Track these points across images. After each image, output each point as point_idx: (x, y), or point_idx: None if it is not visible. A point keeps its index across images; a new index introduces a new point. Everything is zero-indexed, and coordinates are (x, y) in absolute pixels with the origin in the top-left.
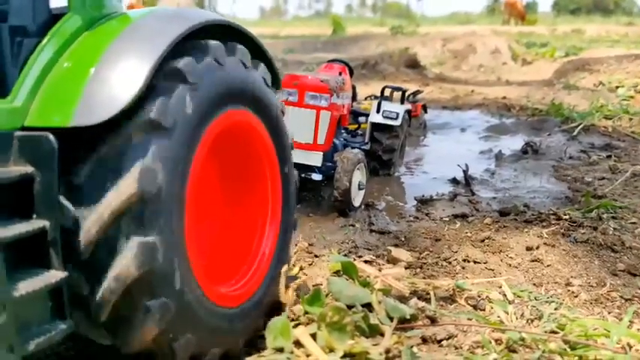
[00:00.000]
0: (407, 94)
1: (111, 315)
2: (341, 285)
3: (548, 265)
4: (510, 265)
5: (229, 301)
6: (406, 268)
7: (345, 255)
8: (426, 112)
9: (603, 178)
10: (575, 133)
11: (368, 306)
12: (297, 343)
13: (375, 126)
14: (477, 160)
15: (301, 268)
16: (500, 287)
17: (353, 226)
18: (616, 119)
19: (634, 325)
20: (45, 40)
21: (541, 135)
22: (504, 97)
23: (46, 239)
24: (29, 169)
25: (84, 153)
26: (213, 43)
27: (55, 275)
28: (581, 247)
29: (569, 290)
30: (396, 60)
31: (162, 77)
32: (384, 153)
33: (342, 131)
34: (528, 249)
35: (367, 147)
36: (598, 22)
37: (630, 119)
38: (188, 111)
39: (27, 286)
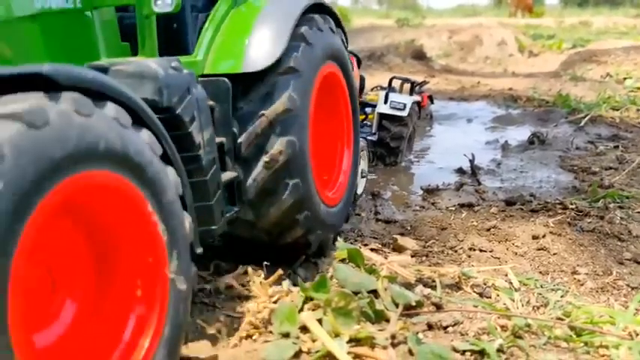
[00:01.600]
0: (414, 84)
1: (259, 190)
2: (347, 272)
3: (554, 254)
4: (516, 253)
5: (329, 201)
6: (412, 257)
7: (351, 243)
8: (432, 102)
9: (610, 168)
10: (582, 124)
11: (374, 293)
12: (303, 329)
13: (383, 117)
14: (483, 151)
15: (307, 256)
16: (506, 275)
17: (359, 215)
18: (623, 110)
19: None
20: (211, 15)
21: (547, 126)
22: (511, 89)
23: (224, 149)
24: (211, 102)
25: (249, 90)
26: (316, 16)
27: (230, 174)
28: (587, 235)
29: (575, 278)
30: (402, 51)
31: (293, 39)
32: (392, 139)
33: None
34: (534, 238)
35: (374, 137)
36: (606, 14)
37: (638, 110)
38: (310, 60)
39: (223, 176)
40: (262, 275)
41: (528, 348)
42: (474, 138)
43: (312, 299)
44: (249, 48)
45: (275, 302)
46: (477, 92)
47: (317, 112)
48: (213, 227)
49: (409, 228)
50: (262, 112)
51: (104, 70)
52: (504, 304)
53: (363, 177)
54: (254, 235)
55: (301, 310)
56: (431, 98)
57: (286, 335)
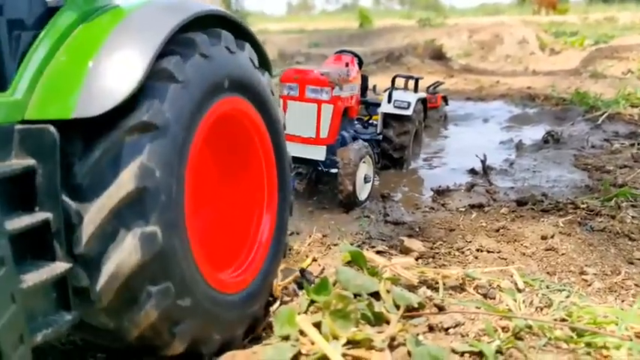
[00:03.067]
0: (428, 85)
1: (113, 301)
2: (349, 274)
3: (562, 254)
4: (524, 254)
5: (229, 287)
6: (418, 258)
7: (359, 246)
8: (447, 103)
9: (625, 167)
10: (599, 122)
11: (376, 295)
12: (303, 332)
13: (387, 116)
14: (496, 151)
15: (314, 259)
16: (512, 276)
17: (368, 217)
18: None
19: None
20: (42, 34)
21: (564, 124)
22: (529, 87)
23: (50, 231)
24: (31, 161)
25: (83, 148)
26: (198, 37)
27: (59, 267)
28: (597, 235)
29: (582, 279)
30: (420, 52)
31: (156, 73)
32: (394, 150)
33: (356, 122)
34: (543, 238)
35: (379, 137)
36: (632, 10)
37: None
38: (183, 102)
39: (34, 277)
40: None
41: (528, 349)
42: (488, 138)
43: (314, 302)
44: (90, 80)
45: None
46: (495, 92)
47: (208, 170)
48: None
49: (417, 230)
50: (102, 191)
51: None
52: (507, 305)
53: (367, 182)
54: (124, 347)
55: (305, 312)
56: (445, 99)
57: (286, 338)
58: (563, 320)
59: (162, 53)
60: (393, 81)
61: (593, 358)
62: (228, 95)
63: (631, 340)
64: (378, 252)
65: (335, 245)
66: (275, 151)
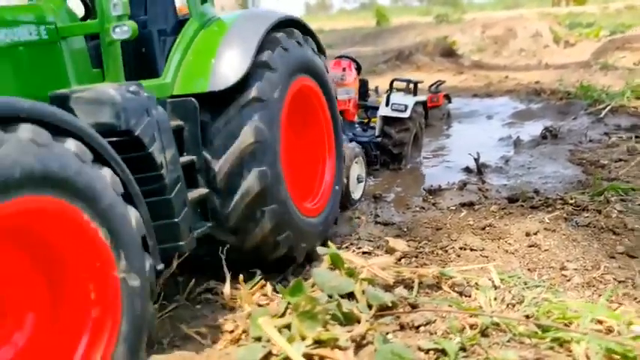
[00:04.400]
0: (430, 84)
1: (238, 220)
2: (325, 276)
3: (545, 250)
4: (507, 251)
5: (310, 212)
6: (402, 258)
7: (347, 247)
8: (449, 101)
9: (620, 160)
10: (601, 115)
11: (352, 295)
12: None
13: (386, 119)
14: (495, 148)
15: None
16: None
17: (359, 218)
18: None
19: (628, 306)
20: (179, 38)
21: (567, 119)
22: (537, 82)
23: (194, 168)
24: (180, 122)
25: (214, 115)
26: (282, 33)
27: (201, 191)
28: (581, 230)
29: (562, 274)
30: (430, 49)
31: (257, 63)
32: (394, 146)
33: (356, 126)
34: (527, 235)
35: (378, 140)
36: None
37: None
38: (276, 81)
39: (190, 195)
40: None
41: (492, 345)
42: (489, 135)
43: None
44: (215, 68)
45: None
46: (503, 87)
47: (291, 129)
48: (181, 243)
49: (405, 230)
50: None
51: (65, 97)
52: (479, 302)
53: (360, 182)
54: (239, 257)
55: (283, 314)
56: (448, 97)
57: (259, 339)
58: (530, 317)
59: (259, 49)
60: (391, 84)
61: (556, 353)
62: (300, 76)
63: (587, 333)
64: (364, 253)
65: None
66: (331, 115)
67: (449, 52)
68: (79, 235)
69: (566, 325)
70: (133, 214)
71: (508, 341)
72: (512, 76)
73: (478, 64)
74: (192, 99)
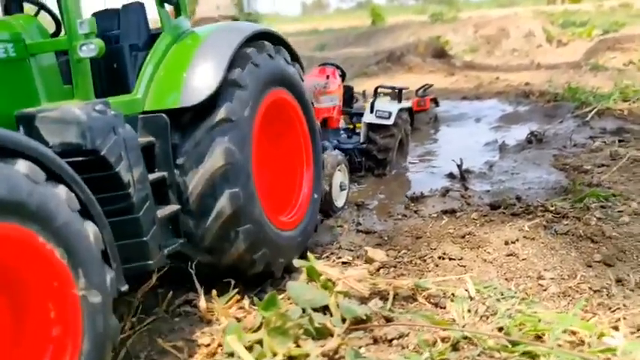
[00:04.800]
0: (417, 88)
1: (212, 240)
2: (299, 289)
3: (523, 259)
4: (485, 260)
5: (288, 225)
6: (380, 268)
7: (327, 256)
8: (437, 105)
9: (602, 165)
10: (587, 119)
11: (327, 308)
12: (250, 348)
13: (370, 126)
14: (480, 153)
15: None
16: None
17: (341, 226)
18: (632, 101)
19: (602, 316)
20: (150, 52)
21: (553, 122)
22: (527, 83)
23: (166, 184)
24: (151, 138)
25: (185, 132)
26: (250, 51)
27: (172, 208)
28: (560, 239)
29: (539, 284)
30: (422, 50)
31: (227, 82)
32: (378, 152)
33: (342, 132)
34: (506, 243)
35: (363, 146)
36: None
37: None
38: (246, 100)
39: (160, 212)
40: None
41: (462, 359)
42: (475, 139)
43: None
44: (186, 83)
45: (238, 321)
46: (493, 89)
47: (266, 143)
48: (150, 262)
49: (386, 238)
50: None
51: (31, 117)
52: (453, 315)
53: (343, 190)
54: (216, 274)
55: (259, 328)
56: (435, 101)
57: (231, 355)
58: (503, 329)
59: (230, 66)
60: (375, 91)
61: None
62: (274, 89)
63: (555, 348)
64: (343, 263)
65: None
66: (308, 124)
67: (441, 53)
68: (35, 257)
69: (537, 337)
70: (90, 230)
71: (478, 355)
72: (504, 77)
73: (470, 64)
74: (164, 115)
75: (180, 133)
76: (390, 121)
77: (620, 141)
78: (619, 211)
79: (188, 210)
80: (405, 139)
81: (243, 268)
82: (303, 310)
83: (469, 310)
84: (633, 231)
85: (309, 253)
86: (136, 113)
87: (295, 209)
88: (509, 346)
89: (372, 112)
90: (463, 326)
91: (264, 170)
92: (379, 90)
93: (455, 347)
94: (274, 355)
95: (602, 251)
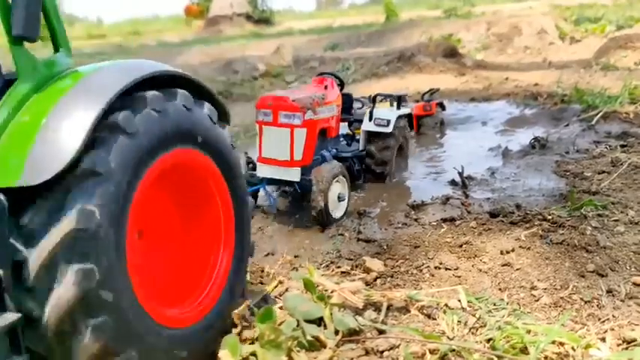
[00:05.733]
0: (423, 93)
1: (58, 330)
2: (295, 301)
3: (517, 269)
4: (481, 270)
5: (179, 322)
6: (377, 278)
7: (327, 266)
8: (443, 109)
9: (603, 172)
10: (593, 122)
11: (322, 320)
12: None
13: (369, 133)
14: (483, 158)
15: (280, 282)
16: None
17: (342, 235)
18: (639, 104)
19: (591, 327)
20: None
21: (559, 125)
22: (536, 84)
23: (1, 286)
24: None
25: (35, 201)
26: (150, 95)
27: (10, 317)
28: (555, 248)
29: (532, 294)
30: (432, 50)
31: (103, 129)
32: (377, 165)
33: (342, 139)
34: (502, 253)
35: (363, 154)
36: None
37: None
38: (129, 155)
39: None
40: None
41: None
42: (480, 144)
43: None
44: (33, 151)
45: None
46: (502, 90)
47: (162, 213)
48: None
49: (385, 247)
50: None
51: None
52: (443, 327)
53: (341, 201)
54: None
55: (256, 339)
56: (442, 105)
57: None
58: (490, 341)
59: (112, 108)
60: (374, 99)
61: None
62: (182, 147)
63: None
64: (342, 272)
65: (302, 267)
66: (232, 196)
67: (451, 52)
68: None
69: (522, 350)
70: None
71: None
72: (513, 77)
73: (481, 64)
74: (0, 195)
75: (29, 207)
76: (389, 129)
77: (623, 146)
78: (615, 220)
79: (32, 294)
80: (404, 144)
81: None
82: (298, 323)
83: (459, 322)
84: (627, 241)
85: (308, 264)
86: None
87: (199, 300)
88: (495, 359)
89: (370, 119)
90: (452, 339)
91: (157, 249)
92: (378, 98)
93: (443, 359)
94: None
95: (595, 261)
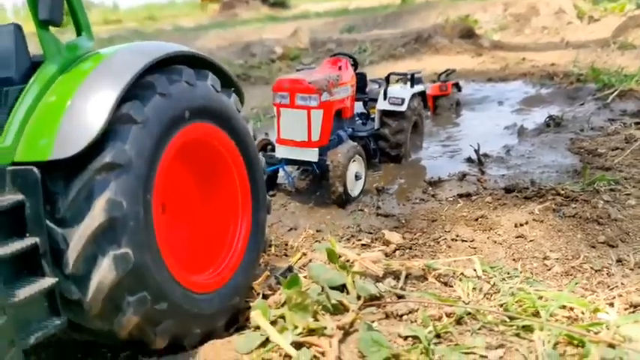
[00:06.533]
0: (439, 73)
1: (101, 310)
2: (319, 270)
3: (531, 241)
4: (495, 242)
5: (207, 286)
6: (397, 250)
7: (348, 239)
8: (459, 90)
9: (617, 149)
10: (608, 101)
11: (345, 287)
12: (274, 322)
13: (384, 112)
14: (499, 136)
15: (304, 254)
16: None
17: (362, 210)
18: None
19: (600, 294)
20: (27, 87)
21: (574, 104)
22: (553, 64)
23: (38, 253)
24: (20, 196)
25: (64, 184)
26: (156, 77)
27: (47, 281)
28: (567, 221)
29: (544, 264)
30: (449, 31)
31: (118, 120)
32: (391, 148)
33: (357, 119)
34: (516, 226)
35: (378, 132)
36: None
37: None
38: (147, 136)
39: (24, 291)
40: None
41: (463, 333)
42: (496, 122)
43: None
44: (62, 127)
45: (265, 298)
46: (518, 70)
47: (181, 189)
48: None
49: (403, 221)
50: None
51: None
52: (459, 293)
53: (358, 179)
54: (120, 343)
55: (283, 305)
56: (457, 85)
57: (258, 328)
58: (502, 305)
59: (123, 98)
60: (387, 78)
61: (519, 339)
62: (192, 123)
63: (548, 321)
64: (363, 245)
65: (324, 240)
66: (246, 162)
67: (468, 33)
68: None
69: (535, 313)
70: None
71: (479, 329)
72: (530, 57)
73: (498, 44)
74: (34, 168)
75: (60, 186)
76: (404, 108)
77: (637, 123)
78: (627, 194)
79: (72, 279)
80: (419, 121)
81: (145, 342)
82: (322, 289)
83: (474, 288)
84: (638, 213)
85: (330, 236)
86: (4, 165)
87: (223, 265)
88: (508, 320)
89: (385, 98)
90: (467, 303)
91: (180, 221)
92: (391, 77)
93: (458, 322)
94: (295, 328)
95: (606, 233)
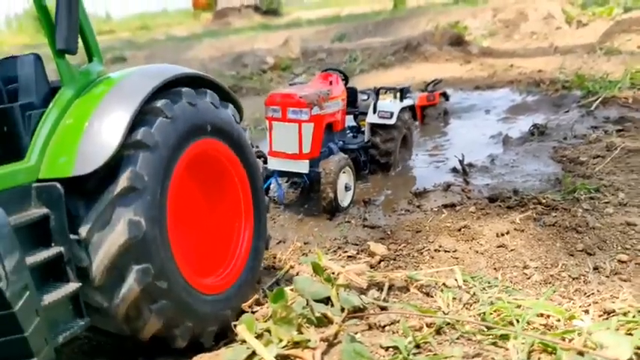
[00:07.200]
0: (427, 83)
1: (124, 318)
2: (304, 283)
3: (511, 250)
4: (477, 251)
5: (218, 288)
6: (381, 261)
7: (334, 251)
8: (447, 99)
9: (598, 157)
10: (592, 108)
11: (330, 299)
12: (260, 336)
13: (374, 125)
14: (484, 146)
15: (291, 267)
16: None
17: (349, 222)
18: (638, 88)
19: (577, 301)
20: (47, 111)
21: (559, 111)
22: (540, 71)
23: (63, 261)
24: (45, 210)
25: (85, 202)
26: (161, 103)
27: (71, 286)
28: (547, 230)
29: (524, 273)
30: (438, 39)
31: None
32: (381, 156)
33: (348, 132)
34: (498, 235)
35: (368, 145)
36: None
37: None
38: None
39: (52, 296)
40: None
41: (442, 343)
42: (482, 132)
43: None
44: (81, 147)
45: (254, 313)
46: (506, 77)
47: (190, 201)
48: None
49: (389, 232)
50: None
51: None
52: (439, 303)
53: (348, 190)
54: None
55: (270, 318)
56: (445, 95)
57: (244, 342)
58: (481, 315)
59: (133, 124)
60: (377, 93)
61: (497, 348)
62: (197, 140)
63: (524, 330)
64: (349, 257)
65: (311, 253)
66: (247, 171)
67: (457, 40)
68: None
69: (512, 322)
70: None
71: (457, 338)
72: (518, 63)
73: (487, 51)
74: (57, 184)
75: (81, 202)
76: (392, 121)
77: (619, 130)
78: (605, 202)
79: (93, 286)
80: (408, 134)
81: (167, 342)
82: (307, 302)
83: (454, 298)
84: (615, 221)
85: (317, 249)
86: (29, 182)
87: (230, 266)
88: (485, 330)
89: (374, 112)
90: (447, 313)
91: (190, 230)
92: (381, 91)
93: (438, 332)
94: (280, 341)
95: (584, 241)
